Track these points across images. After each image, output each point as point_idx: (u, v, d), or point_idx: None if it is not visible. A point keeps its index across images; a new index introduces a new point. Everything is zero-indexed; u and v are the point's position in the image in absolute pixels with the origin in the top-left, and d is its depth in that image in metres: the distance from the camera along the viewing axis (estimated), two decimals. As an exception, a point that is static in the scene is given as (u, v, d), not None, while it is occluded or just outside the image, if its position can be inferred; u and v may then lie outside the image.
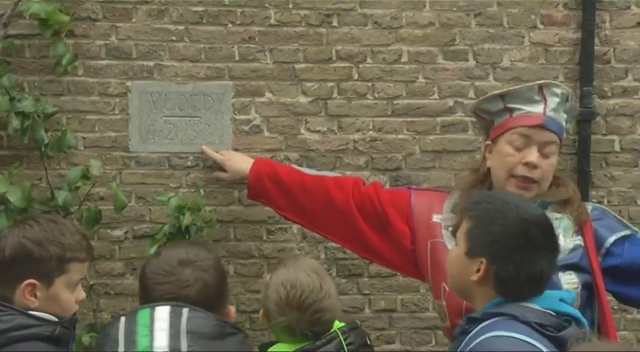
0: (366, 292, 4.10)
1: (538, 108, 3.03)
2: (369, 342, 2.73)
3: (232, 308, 2.42)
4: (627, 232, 3.08)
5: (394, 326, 4.11)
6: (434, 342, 4.09)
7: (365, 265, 4.07)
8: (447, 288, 3.05)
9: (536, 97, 3.06)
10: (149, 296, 2.31)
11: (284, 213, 3.68)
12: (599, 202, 4.12)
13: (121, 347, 2.18)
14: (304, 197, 3.54)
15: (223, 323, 2.21)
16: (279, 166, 3.71)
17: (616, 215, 3.19)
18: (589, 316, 2.94)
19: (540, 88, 3.09)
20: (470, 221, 2.48)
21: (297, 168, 3.74)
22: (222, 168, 3.86)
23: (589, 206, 3.15)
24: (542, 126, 3.02)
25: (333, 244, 4.01)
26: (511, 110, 3.08)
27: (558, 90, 3.07)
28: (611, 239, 3.03)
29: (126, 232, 3.96)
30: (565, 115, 3.07)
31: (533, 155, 2.98)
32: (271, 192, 3.62)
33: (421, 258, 3.23)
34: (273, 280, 2.61)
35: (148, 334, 2.17)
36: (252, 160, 3.74)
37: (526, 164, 2.98)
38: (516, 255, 2.39)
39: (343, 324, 2.67)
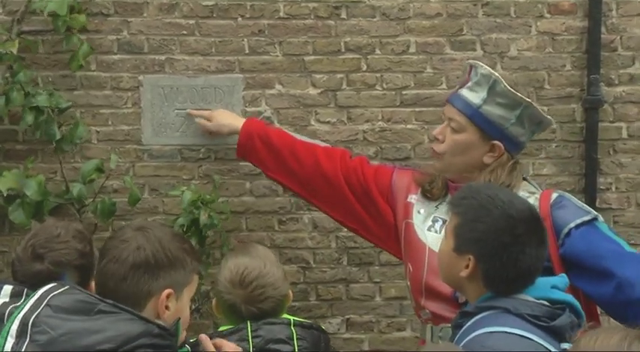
0: (377, 280, 4.16)
1: (458, 86, 3.14)
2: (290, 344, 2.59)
3: (166, 293, 2.31)
4: (587, 218, 3.06)
5: (405, 314, 4.15)
6: (444, 329, 4.14)
7: (376, 254, 4.12)
8: (411, 268, 3.12)
9: (466, 76, 3.16)
10: None
11: (272, 175, 3.66)
12: (607, 189, 4.17)
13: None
14: (293, 161, 3.55)
15: (95, 301, 2.20)
16: (270, 128, 3.72)
17: (579, 202, 3.19)
18: None
19: (470, 66, 3.17)
20: (457, 217, 2.48)
21: (289, 132, 3.74)
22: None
23: (554, 194, 3.13)
24: (447, 102, 3.17)
25: (344, 233, 4.07)
26: None
27: (479, 71, 3.11)
28: (569, 226, 3.03)
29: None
30: (488, 96, 3.07)
31: (437, 129, 3.17)
32: (261, 153, 3.62)
33: (399, 236, 3.28)
34: (222, 266, 2.70)
35: (24, 304, 2.23)
36: (243, 119, 3.76)
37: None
38: (502, 252, 2.38)
39: (298, 319, 2.66)
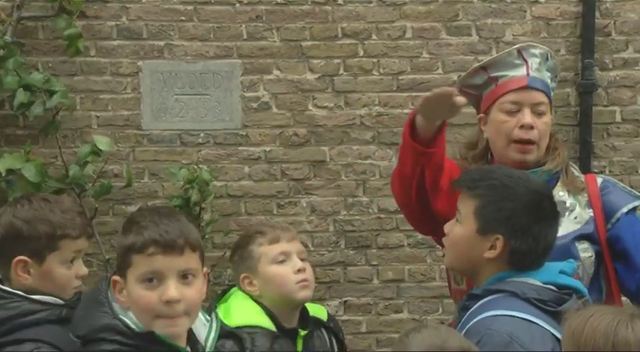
0: (375, 263, 4.21)
1: (521, 71, 3.02)
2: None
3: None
4: (637, 203, 3.08)
5: (402, 296, 4.21)
6: (440, 311, 4.18)
7: (373, 237, 4.17)
8: None
9: (517, 61, 3.07)
10: None
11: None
12: (601, 172, 4.21)
13: None
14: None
15: None
16: None
17: (626, 186, 3.21)
18: (598, 285, 2.97)
19: (519, 51, 3.11)
20: (476, 199, 2.44)
21: None
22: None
23: (599, 178, 3.13)
24: (528, 87, 3.00)
25: (342, 217, 4.13)
26: (496, 79, 3.08)
27: (537, 51, 3.07)
28: (622, 211, 3.04)
29: (140, 208, 4.06)
30: (549, 73, 3.09)
31: (527, 117, 2.94)
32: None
33: None
34: None
35: None
36: None
37: (522, 126, 2.97)
38: (534, 227, 2.38)
39: (227, 325, 2.62)
